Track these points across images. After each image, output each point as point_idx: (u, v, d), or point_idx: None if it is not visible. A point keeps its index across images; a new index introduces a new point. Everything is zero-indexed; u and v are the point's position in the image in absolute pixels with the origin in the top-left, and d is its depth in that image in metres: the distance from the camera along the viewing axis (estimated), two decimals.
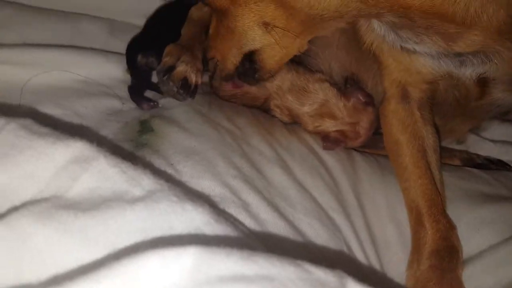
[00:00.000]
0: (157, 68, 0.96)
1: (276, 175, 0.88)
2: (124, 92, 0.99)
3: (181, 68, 0.94)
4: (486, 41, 0.73)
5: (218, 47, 0.87)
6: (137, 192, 0.59)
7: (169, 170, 0.78)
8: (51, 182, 0.58)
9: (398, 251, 0.91)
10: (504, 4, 0.70)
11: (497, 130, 1.30)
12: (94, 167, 0.60)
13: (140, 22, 1.18)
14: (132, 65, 1.03)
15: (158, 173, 0.72)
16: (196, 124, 0.91)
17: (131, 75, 1.02)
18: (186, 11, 1.08)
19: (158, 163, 0.79)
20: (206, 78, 1.06)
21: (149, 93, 1.02)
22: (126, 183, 0.60)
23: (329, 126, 1.03)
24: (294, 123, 1.08)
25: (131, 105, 0.97)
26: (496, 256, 0.87)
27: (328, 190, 0.91)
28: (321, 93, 1.04)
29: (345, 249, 0.83)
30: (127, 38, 1.08)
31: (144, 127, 0.88)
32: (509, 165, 1.19)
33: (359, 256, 0.86)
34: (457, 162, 1.17)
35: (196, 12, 1.09)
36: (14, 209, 0.53)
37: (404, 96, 0.93)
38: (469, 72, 0.85)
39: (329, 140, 1.02)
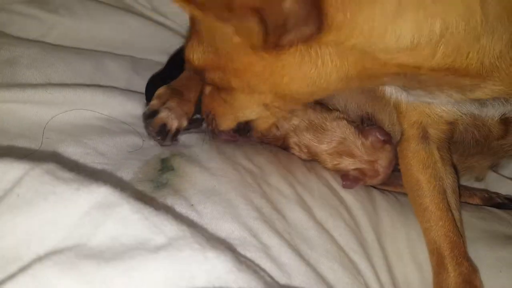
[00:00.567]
0: (143, 111, 0.99)
1: (296, 215, 0.87)
2: None
3: (162, 114, 0.96)
4: (506, 89, 0.72)
5: (214, 108, 0.89)
6: (159, 239, 0.59)
7: (190, 211, 0.78)
8: (74, 229, 0.58)
9: None
10: None
11: None
12: (117, 214, 0.60)
13: (163, 59, 1.20)
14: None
15: (180, 217, 0.73)
16: (216, 164, 0.91)
17: None
18: None
19: (179, 204, 0.79)
20: None
21: None
22: (148, 230, 0.60)
23: (348, 164, 1.03)
24: (313, 160, 1.08)
25: (151, 142, 0.97)
26: None
27: (348, 230, 0.90)
28: (338, 131, 1.05)
29: None
30: (150, 75, 1.10)
31: (165, 166, 0.88)
32: None
33: None
34: (477, 201, 1.16)
35: None
36: (38, 259, 0.53)
37: (424, 136, 0.93)
38: (491, 112, 0.85)
39: (348, 179, 1.01)
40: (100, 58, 1.10)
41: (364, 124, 1.09)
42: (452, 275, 0.86)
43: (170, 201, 0.78)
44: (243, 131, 0.91)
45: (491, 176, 1.25)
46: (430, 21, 0.61)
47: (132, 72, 1.14)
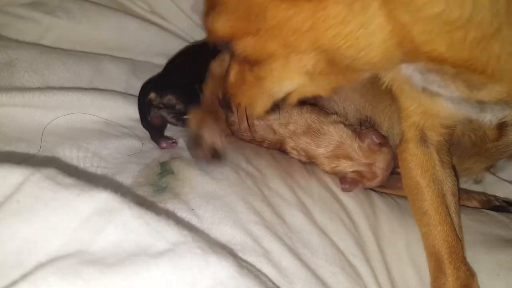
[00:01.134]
0: (185, 139, 0.97)
1: (296, 219, 0.87)
2: (144, 133, 1.00)
3: (207, 138, 0.94)
4: (510, 92, 0.72)
5: (244, 94, 0.82)
6: (161, 245, 0.59)
7: (190, 216, 0.78)
8: (76, 235, 0.57)
9: None
10: None
11: None
12: (118, 219, 0.60)
13: (162, 61, 1.20)
14: (141, 104, 1.03)
15: (181, 222, 0.73)
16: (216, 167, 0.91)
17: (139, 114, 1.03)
18: (207, 54, 1.08)
19: (179, 208, 0.78)
20: None
21: (167, 132, 1.03)
22: (150, 236, 0.60)
23: (346, 167, 1.04)
24: (312, 163, 1.08)
25: (150, 145, 0.97)
26: None
27: (348, 234, 0.90)
28: (335, 135, 1.05)
29: None
30: (149, 78, 1.10)
31: (164, 170, 0.88)
32: None
33: None
34: (475, 204, 1.16)
35: (217, 68, 1.08)
36: (40, 266, 0.53)
37: (422, 139, 0.93)
38: (488, 117, 0.85)
39: (346, 182, 1.02)
40: (99, 61, 1.10)
41: (362, 127, 1.09)
42: (450, 280, 0.86)
43: (170, 205, 0.78)
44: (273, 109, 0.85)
45: (489, 178, 1.26)
46: None
47: (131, 75, 1.14)
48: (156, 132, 1.00)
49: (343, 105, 1.12)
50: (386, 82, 0.89)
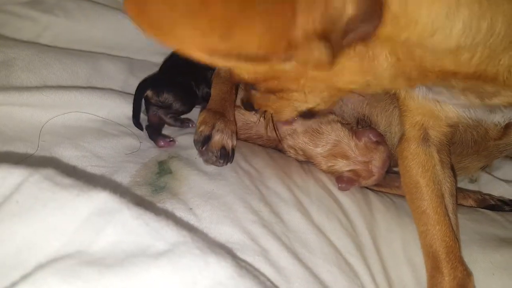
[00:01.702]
0: (194, 138, 0.96)
1: (294, 218, 0.87)
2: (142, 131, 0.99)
3: (217, 138, 0.94)
4: None
5: (269, 106, 0.83)
6: (160, 245, 0.59)
7: (189, 215, 0.78)
8: (75, 236, 0.57)
9: None
10: None
11: (510, 170, 1.29)
12: (117, 220, 0.60)
13: (159, 60, 1.20)
14: (136, 101, 1.03)
15: (179, 221, 0.73)
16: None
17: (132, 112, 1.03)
18: None
19: (177, 208, 0.79)
20: None
21: (166, 131, 1.03)
22: (149, 236, 0.60)
23: (342, 166, 1.04)
24: (309, 162, 1.08)
25: (148, 143, 0.97)
26: None
27: (345, 233, 0.90)
28: (333, 134, 1.06)
29: None
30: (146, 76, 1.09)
31: (162, 169, 0.88)
32: None
33: None
34: (471, 202, 1.16)
35: (224, 68, 1.09)
36: (40, 267, 0.53)
37: (425, 138, 0.93)
38: (497, 118, 0.85)
39: (342, 181, 1.02)
40: (96, 60, 1.10)
41: (359, 126, 1.10)
42: (446, 279, 0.86)
43: (169, 205, 0.78)
44: (307, 115, 0.85)
45: (484, 177, 1.26)
46: (480, 21, 0.57)
47: (129, 73, 1.13)
48: (153, 130, 1.01)
49: (340, 105, 1.12)
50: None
